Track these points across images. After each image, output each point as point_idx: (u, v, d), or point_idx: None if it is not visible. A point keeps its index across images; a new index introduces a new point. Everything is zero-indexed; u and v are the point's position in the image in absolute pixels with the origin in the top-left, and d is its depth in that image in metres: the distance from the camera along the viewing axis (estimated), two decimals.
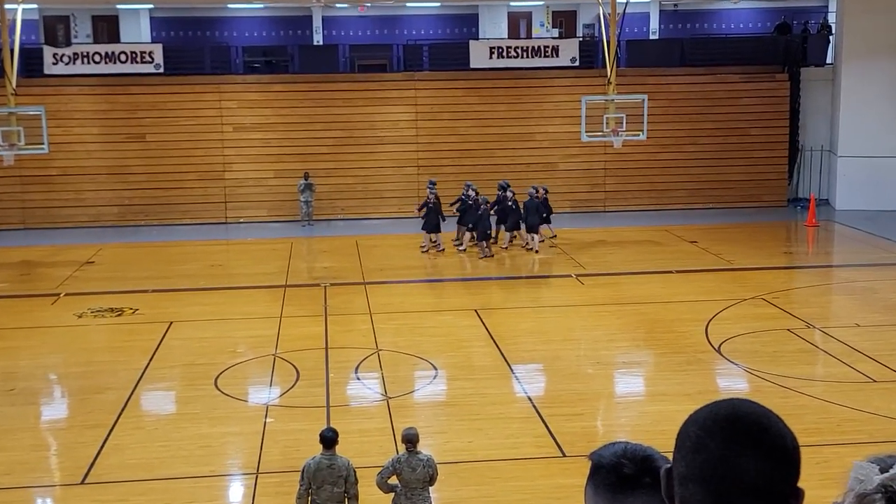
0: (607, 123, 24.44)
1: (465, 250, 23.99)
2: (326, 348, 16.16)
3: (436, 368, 15.01)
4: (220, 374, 14.82)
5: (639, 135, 24.54)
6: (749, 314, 18.03)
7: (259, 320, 18.17)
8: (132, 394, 14.06)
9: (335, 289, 20.69)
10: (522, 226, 24.16)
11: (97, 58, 28.88)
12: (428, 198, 24.27)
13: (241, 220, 29.71)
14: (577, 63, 30.24)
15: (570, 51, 30.27)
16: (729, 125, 30.60)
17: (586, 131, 24.32)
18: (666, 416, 12.56)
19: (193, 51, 31.42)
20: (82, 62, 28.81)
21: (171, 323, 17.91)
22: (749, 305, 18.68)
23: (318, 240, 27.14)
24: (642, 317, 17.97)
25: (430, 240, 24.23)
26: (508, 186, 24.56)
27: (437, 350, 16.01)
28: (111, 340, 17.16)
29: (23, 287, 21.43)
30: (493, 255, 23.46)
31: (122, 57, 29.00)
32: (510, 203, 23.95)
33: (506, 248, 24.26)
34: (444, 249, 24.08)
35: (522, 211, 24.09)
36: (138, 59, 29.06)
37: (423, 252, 24.07)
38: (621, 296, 19.73)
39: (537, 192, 24.41)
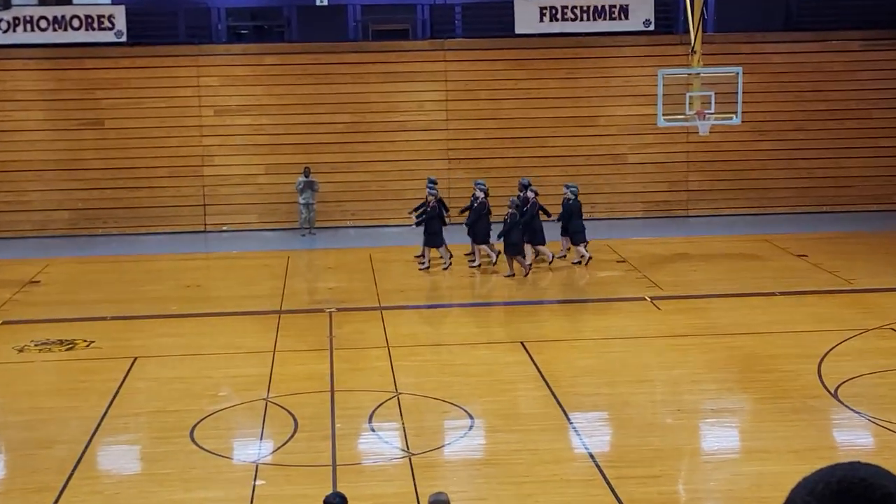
0: (691, 104, 24.35)
1: (494, 264, 23.99)
2: (332, 391, 16.19)
3: (471, 417, 15.00)
4: (198, 423, 14.87)
5: (731, 118, 24.43)
6: (874, 348, 17.87)
7: (247, 355, 18.22)
8: (86, 449, 14.13)
9: (343, 315, 20.73)
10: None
11: (43, 23, 29.16)
12: (427, 201, 24.36)
13: (225, 228, 29.85)
14: (651, 27, 30.18)
15: (643, 11, 30.23)
16: (847, 106, 30.41)
17: (664, 114, 24.25)
18: (767, 479, 12.46)
19: (164, 14, 31.58)
20: (25, 29, 29.10)
21: (136, 359, 18.00)
22: (874, 337, 18.51)
23: (321, 253, 27.20)
24: (736, 351, 17.87)
25: (439, 254, 24.36)
26: (530, 185, 24.52)
27: (474, 393, 15.99)
28: (60, 381, 17.26)
29: None
30: (526, 274, 23.42)
31: (76, 22, 29.27)
32: (525, 208, 23.60)
33: (551, 261, 24.17)
34: (429, 267, 24.19)
35: (558, 215, 24.11)
36: (95, 24, 29.31)
37: (420, 269, 24.27)
38: (709, 324, 19.63)
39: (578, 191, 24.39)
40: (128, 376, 17.07)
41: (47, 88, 29.47)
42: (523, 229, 23.36)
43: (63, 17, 29.31)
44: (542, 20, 30.17)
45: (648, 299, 21.46)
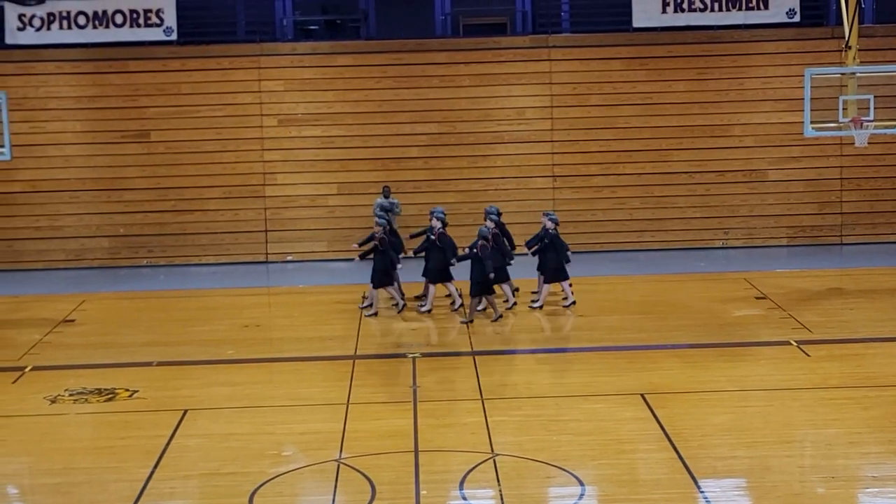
0: (845, 110, 24.11)
1: (458, 309, 24.15)
2: (416, 451, 16.18)
3: (581, 483, 14.90)
4: (258, 488, 14.93)
5: (895, 127, 24.15)
6: None
7: (315, 408, 18.28)
8: None
9: (429, 361, 20.72)
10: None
11: (82, 20, 29.64)
12: (375, 231, 24.34)
13: (290, 257, 30.04)
14: (797, 18, 29.95)
15: None
16: None
17: (812, 122, 24.03)
18: None
19: (220, 8, 32.01)
20: (60, 26, 29.59)
21: (186, 411, 18.13)
22: None
23: (403, 287, 27.26)
24: None
25: (390, 294, 24.58)
26: (493, 213, 24.39)
27: (585, 455, 15.90)
28: (98, 437, 17.42)
29: None
30: (471, 320, 23.35)
31: (118, 18, 29.70)
32: (482, 242, 23.28)
33: (482, 309, 23.83)
34: (376, 313, 24.38)
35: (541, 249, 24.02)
36: (141, 20, 29.73)
37: (367, 315, 24.37)
38: (869, 374, 19.36)
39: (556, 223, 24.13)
40: (176, 432, 17.19)
41: (85, 95, 29.94)
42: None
43: (104, 12, 29.74)
44: (664, 11, 30.07)
45: (794, 344, 21.24)
